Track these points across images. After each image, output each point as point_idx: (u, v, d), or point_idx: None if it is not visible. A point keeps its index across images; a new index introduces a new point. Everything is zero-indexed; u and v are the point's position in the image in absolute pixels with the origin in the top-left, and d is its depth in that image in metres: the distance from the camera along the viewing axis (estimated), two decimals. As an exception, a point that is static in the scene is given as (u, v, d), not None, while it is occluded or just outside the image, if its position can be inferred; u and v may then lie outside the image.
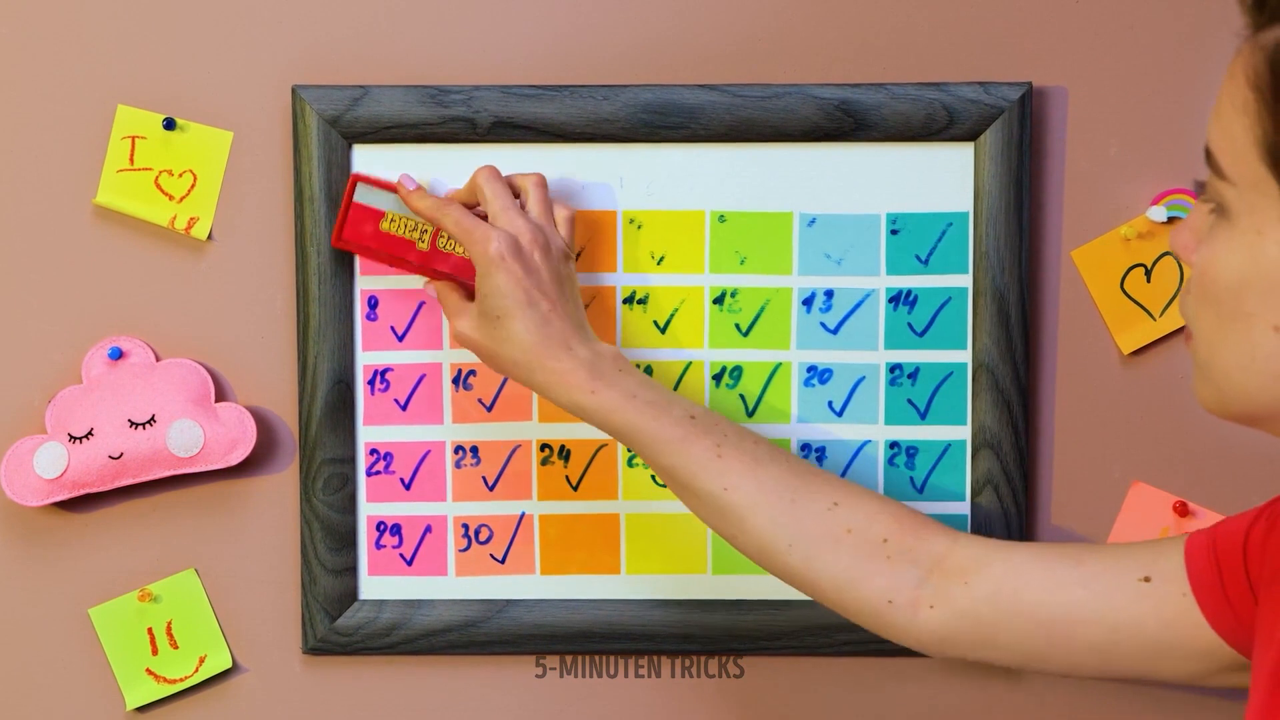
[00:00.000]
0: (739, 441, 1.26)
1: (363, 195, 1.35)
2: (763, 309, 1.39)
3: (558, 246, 1.30)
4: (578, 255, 1.37)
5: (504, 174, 1.34)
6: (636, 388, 1.26)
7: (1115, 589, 1.19)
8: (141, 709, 1.43)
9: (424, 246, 1.35)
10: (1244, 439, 1.39)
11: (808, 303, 1.39)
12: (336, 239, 1.36)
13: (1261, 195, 0.94)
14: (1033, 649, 1.22)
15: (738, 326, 1.40)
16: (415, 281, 1.39)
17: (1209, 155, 0.98)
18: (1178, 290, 1.39)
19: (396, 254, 1.36)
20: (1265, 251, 0.95)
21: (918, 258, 1.39)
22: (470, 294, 1.33)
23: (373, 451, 1.41)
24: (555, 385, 1.26)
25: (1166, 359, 1.40)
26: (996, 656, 1.24)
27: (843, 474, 1.40)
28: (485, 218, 1.31)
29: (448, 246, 1.35)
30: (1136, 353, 1.40)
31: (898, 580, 1.23)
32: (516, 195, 1.33)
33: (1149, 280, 1.39)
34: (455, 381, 1.40)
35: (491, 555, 1.42)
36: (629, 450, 1.31)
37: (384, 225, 1.35)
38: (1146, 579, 1.19)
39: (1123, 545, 1.23)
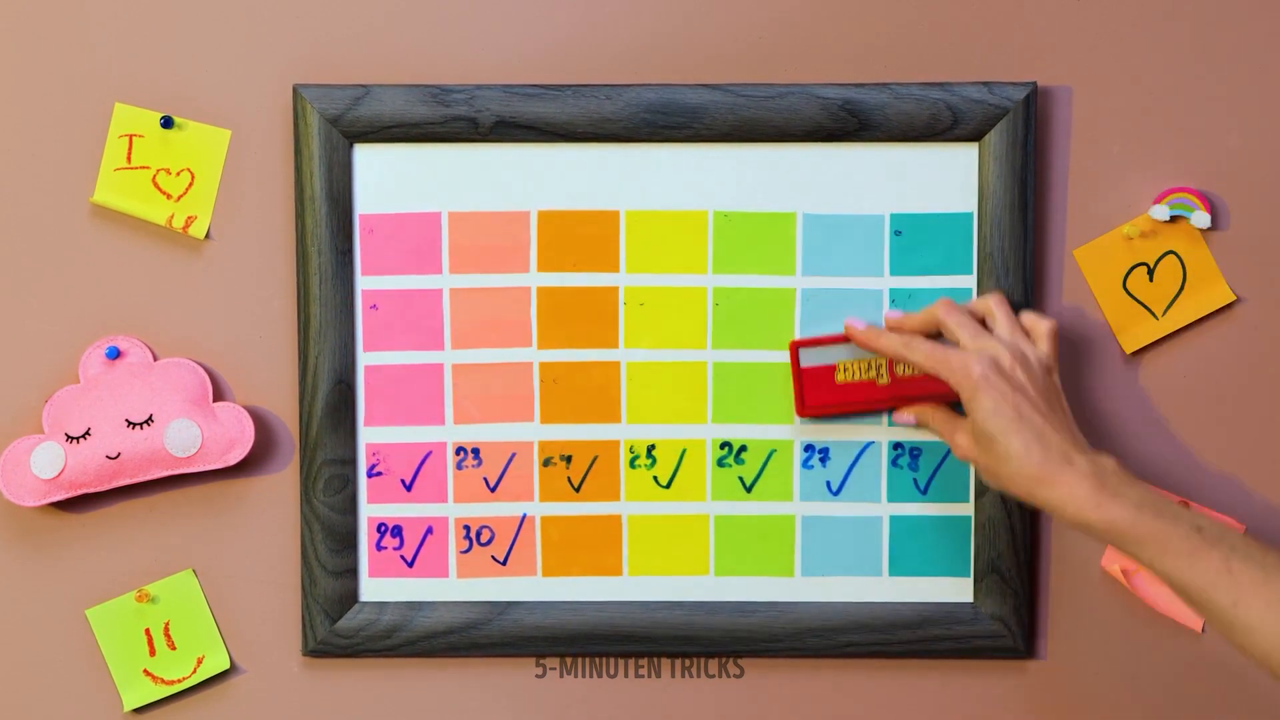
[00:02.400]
0: (1248, 553, 1.23)
1: (808, 358, 1.36)
2: (765, 310, 1.39)
3: (1039, 360, 1.29)
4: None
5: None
6: (1142, 498, 1.24)
7: None
8: (139, 710, 1.42)
9: (885, 381, 1.36)
10: (1247, 439, 1.39)
11: (810, 304, 1.39)
12: (801, 409, 1.37)
13: None
14: None
15: (740, 328, 1.39)
16: (416, 282, 1.39)
17: None
18: (1179, 290, 1.39)
19: (861, 399, 1.36)
20: None
21: (921, 259, 1.38)
22: (954, 409, 1.33)
23: (373, 452, 1.40)
24: (1061, 501, 1.24)
25: (1169, 359, 1.40)
26: None
27: (845, 475, 1.40)
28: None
29: (905, 372, 1.36)
30: (1138, 352, 1.40)
31: None
32: (981, 320, 1.33)
33: (1151, 279, 1.39)
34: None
35: (493, 557, 1.41)
36: (1137, 558, 1.26)
37: (839, 377, 1.36)
38: None
39: None
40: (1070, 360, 1.40)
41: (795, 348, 1.37)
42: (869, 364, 1.36)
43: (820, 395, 1.37)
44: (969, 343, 1.29)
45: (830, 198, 1.38)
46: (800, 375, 1.37)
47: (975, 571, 1.40)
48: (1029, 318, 1.32)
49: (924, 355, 1.30)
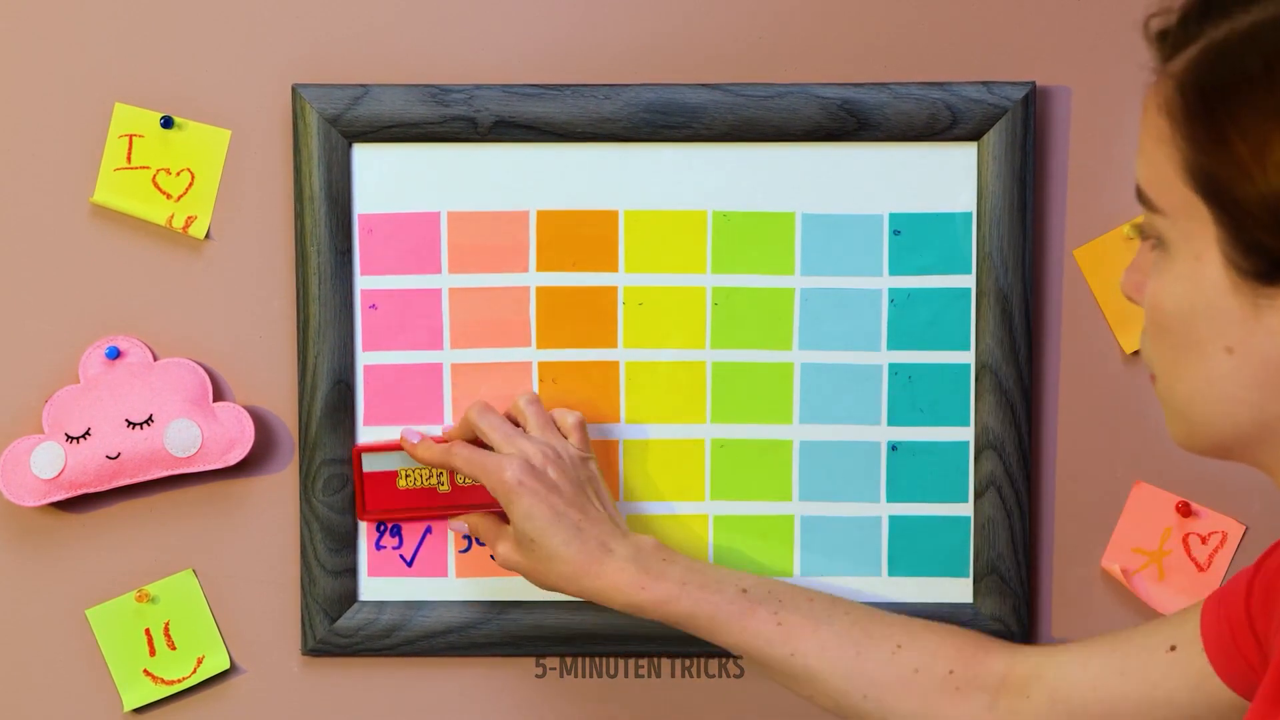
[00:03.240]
0: (796, 604, 1.29)
1: (370, 463, 1.37)
2: (764, 310, 1.39)
3: (570, 455, 1.32)
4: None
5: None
6: (685, 574, 1.29)
7: (1150, 667, 1.22)
8: (139, 710, 1.42)
9: (445, 489, 1.37)
10: (1247, 440, 1.39)
11: (809, 303, 1.39)
12: (362, 513, 1.38)
13: (1193, 220, 0.94)
14: None
15: (739, 327, 1.39)
16: (415, 282, 1.39)
17: (1140, 193, 0.98)
18: (1180, 290, 1.39)
19: (423, 505, 1.37)
20: (1205, 275, 0.94)
21: (920, 258, 1.38)
22: (502, 518, 1.34)
23: (373, 452, 1.41)
24: (606, 591, 1.28)
25: (1169, 359, 1.40)
26: None
27: (844, 475, 1.40)
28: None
29: (467, 481, 1.37)
30: (1139, 352, 1.40)
31: (970, 708, 1.28)
32: (515, 421, 1.35)
33: (1151, 280, 1.39)
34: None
35: (492, 556, 1.41)
36: (694, 632, 1.30)
37: (400, 483, 1.37)
38: (1173, 648, 1.21)
39: (1154, 621, 1.26)
40: (1071, 360, 1.40)
41: (358, 452, 1.37)
42: (431, 471, 1.37)
43: (382, 500, 1.38)
44: (503, 445, 1.31)
45: (829, 197, 1.38)
46: (362, 480, 1.37)
47: (975, 572, 1.40)
48: (557, 413, 1.35)
49: (463, 461, 1.32)
